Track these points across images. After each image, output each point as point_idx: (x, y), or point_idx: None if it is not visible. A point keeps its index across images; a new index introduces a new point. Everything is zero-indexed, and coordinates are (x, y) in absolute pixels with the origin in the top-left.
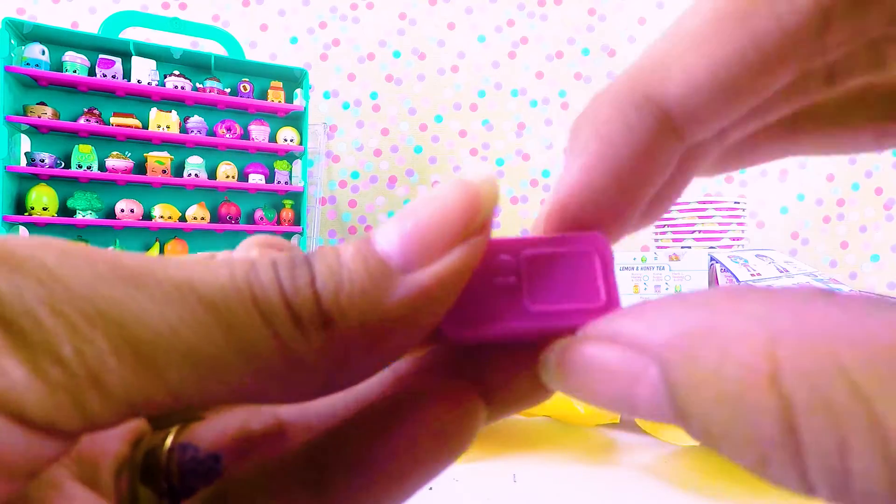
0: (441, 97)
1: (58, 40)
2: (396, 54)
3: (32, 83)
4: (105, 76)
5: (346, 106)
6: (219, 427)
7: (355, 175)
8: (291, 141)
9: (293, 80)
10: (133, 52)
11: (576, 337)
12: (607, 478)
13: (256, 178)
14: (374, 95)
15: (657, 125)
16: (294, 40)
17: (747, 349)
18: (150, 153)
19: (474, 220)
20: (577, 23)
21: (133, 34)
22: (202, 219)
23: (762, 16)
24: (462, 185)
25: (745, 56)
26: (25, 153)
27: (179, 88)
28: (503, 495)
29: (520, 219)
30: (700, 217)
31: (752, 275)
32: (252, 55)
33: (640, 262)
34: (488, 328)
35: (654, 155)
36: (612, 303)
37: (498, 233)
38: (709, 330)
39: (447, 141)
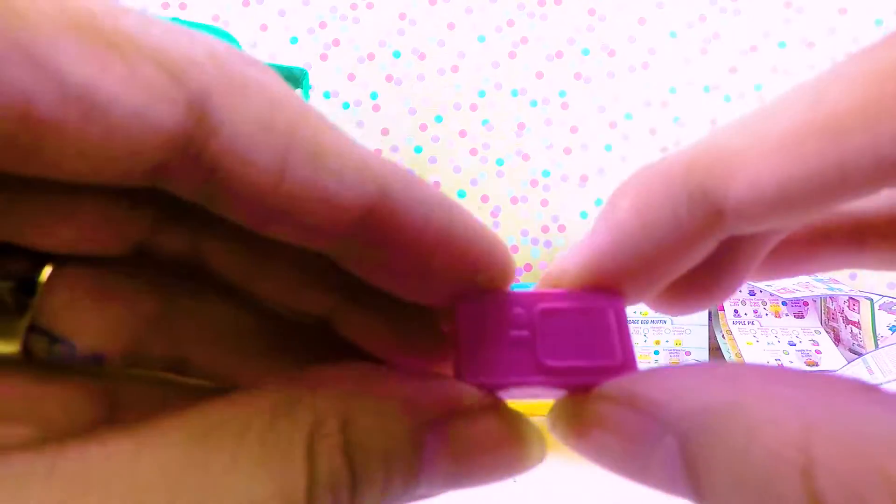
0: (441, 97)
1: None
2: (396, 54)
3: None
4: None
5: (346, 106)
6: (101, 325)
7: None
8: None
9: (293, 80)
10: None
11: (591, 395)
12: (607, 478)
13: None
14: (374, 95)
15: (706, 219)
16: (294, 40)
17: (779, 436)
18: None
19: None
20: (577, 23)
21: None
22: None
23: (856, 138)
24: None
25: (826, 176)
26: None
27: None
28: (503, 495)
29: (520, 219)
30: None
31: None
32: (252, 55)
33: None
34: (503, 379)
35: (694, 244)
36: (628, 362)
37: (498, 233)
38: (736, 408)
39: (447, 141)
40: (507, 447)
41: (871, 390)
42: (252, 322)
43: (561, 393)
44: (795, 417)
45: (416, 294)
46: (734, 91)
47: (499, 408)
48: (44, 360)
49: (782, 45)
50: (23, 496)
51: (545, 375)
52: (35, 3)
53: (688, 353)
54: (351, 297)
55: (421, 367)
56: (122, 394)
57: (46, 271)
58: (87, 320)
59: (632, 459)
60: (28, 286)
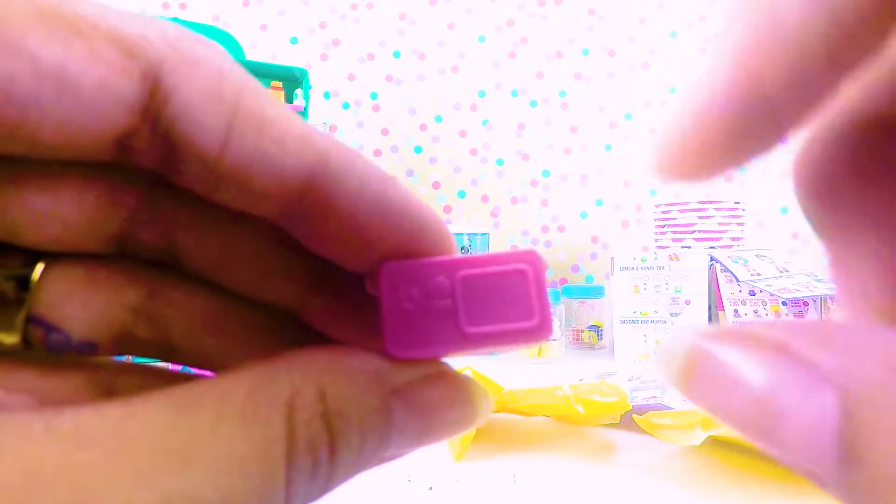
0: (441, 97)
1: None
2: (396, 54)
3: None
4: None
5: (346, 106)
6: (92, 315)
7: None
8: None
9: (293, 80)
10: None
11: (714, 334)
12: (607, 478)
13: None
14: (374, 95)
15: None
16: (294, 40)
17: None
18: None
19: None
20: (577, 23)
21: None
22: None
23: None
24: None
25: None
26: None
27: None
28: (503, 495)
29: (520, 219)
30: (700, 217)
31: (752, 275)
32: (252, 55)
33: (640, 262)
34: (427, 351)
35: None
36: (545, 323)
37: (498, 233)
38: None
39: (447, 141)
40: (459, 406)
41: None
42: (232, 311)
43: (486, 352)
44: None
45: (355, 263)
46: None
47: (449, 373)
48: (41, 349)
49: None
50: (21, 450)
51: (468, 343)
52: None
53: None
54: (314, 289)
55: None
56: (120, 386)
57: (40, 267)
58: (78, 310)
59: (764, 413)
60: (25, 281)
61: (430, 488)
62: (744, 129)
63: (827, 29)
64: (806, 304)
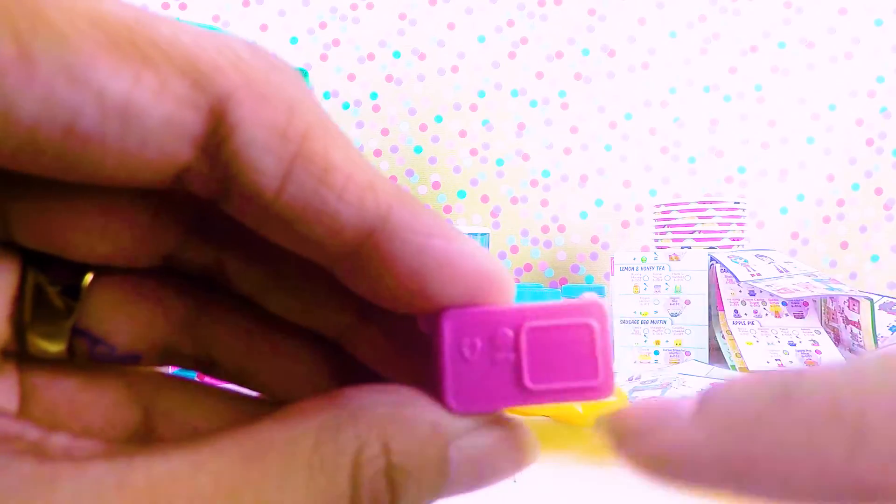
0: (441, 97)
1: None
2: (396, 54)
3: None
4: None
5: (345, 106)
6: (137, 329)
7: None
8: None
9: None
10: None
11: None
12: (607, 478)
13: None
14: (373, 96)
15: None
16: (294, 40)
17: None
18: None
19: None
20: (577, 23)
21: None
22: None
23: None
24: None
25: None
26: None
27: None
28: (503, 495)
29: (520, 219)
30: (700, 217)
31: (752, 275)
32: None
33: (640, 262)
34: (488, 406)
35: None
36: (607, 382)
37: (498, 233)
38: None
39: (447, 141)
40: (513, 453)
41: None
42: (275, 332)
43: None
44: None
45: (406, 309)
46: (734, 91)
47: (503, 421)
48: (86, 359)
49: (782, 45)
50: None
51: (529, 398)
52: (74, 22)
53: (688, 353)
54: (360, 321)
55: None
56: (160, 401)
57: (88, 279)
58: (124, 324)
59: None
60: (73, 290)
61: None
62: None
63: None
64: (806, 304)
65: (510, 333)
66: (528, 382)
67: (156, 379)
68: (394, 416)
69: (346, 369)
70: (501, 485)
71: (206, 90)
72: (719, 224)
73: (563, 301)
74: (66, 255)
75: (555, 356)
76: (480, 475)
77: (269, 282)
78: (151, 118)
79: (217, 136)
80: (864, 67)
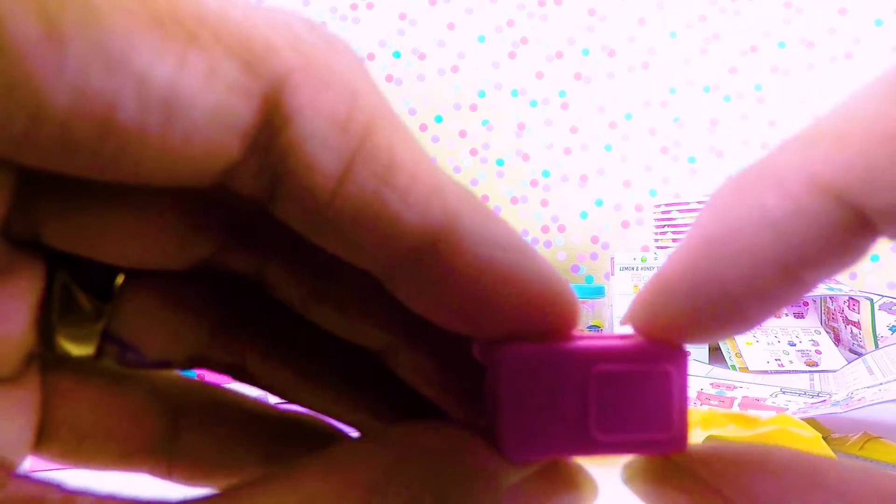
0: (441, 97)
1: None
2: (396, 54)
3: None
4: None
5: None
6: (168, 336)
7: None
8: None
9: None
10: None
11: (672, 466)
12: (607, 478)
13: None
14: None
15: (851, 228)
16: None
17: None
18: None
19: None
20: (577, 23)
21: None
22: None
23: None
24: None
25: None
26: None
27: None
28: None
29: (520, 219)
30: None
31: None
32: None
33: (640, 262)
34: (548, 455)
35: (840, 256)
36: (681, 434)
37: None
38: None
39: (447, 141)
40: (567, 498)
41: None
42: (313, 343)
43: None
44: None
45: (462, 329)
46: (734, 91)
47: (560, 465)
48: (115, 365)
49: (782, 45)
50: None
51: (594, 450)
52: None
53: (688, 354)
54: (407, 340)
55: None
56: (186, 408)
57: (120, 279)
58: (155, 331)
59: None
60: (103, 292)
61: None
62: (707, 312)
63: (777, 248)
64: (806, 304)
65: (578, 377)
66: (594, 432)
67: (183, 384)
68: (451, 466)
69: (385, 384)
70: None
71: (261, 75)
72: None
73: (639, 341)
74: (96, 258)
75: (626, 405)
76: None
77: (313, 292)
78: (198, 109)
79: (270, 129)
80: (864, 67)
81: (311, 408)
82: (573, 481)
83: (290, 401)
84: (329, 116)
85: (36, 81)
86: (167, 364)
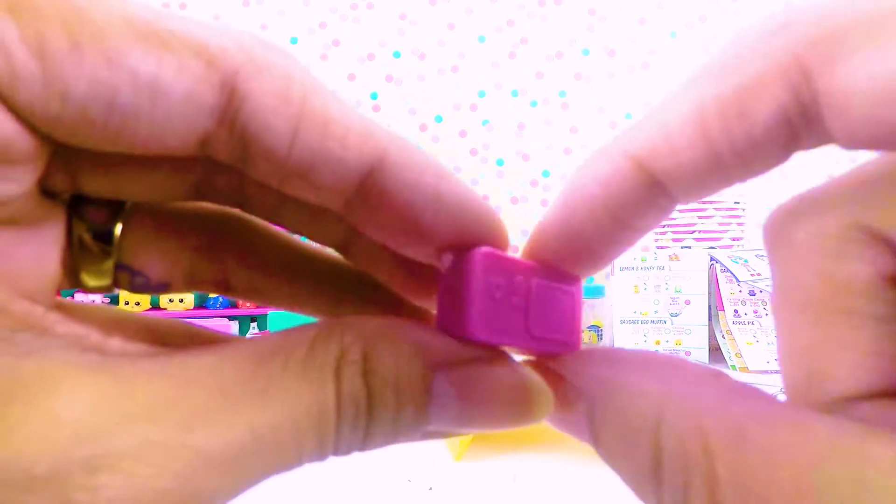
0: (441, 97)
1: None
2: (396, 54)
3: None
4: None
5: None
6: (166, 259)
7: None
8: None
9: None
10: None
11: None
12: (607, 478)
13: None
14: (374, 95)
15: (647, 189)
16: (294, 40)
17: (639, 406)
18: None
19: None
20: (577, 23)
21: None
22: None
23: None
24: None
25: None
26: None
27: None
28: (503, 495)
29: (520, 219)
30: (700, 217)
31: (752, 275)
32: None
33: (640, 262)
34: (502, 339)
35: (640, 216)
36: (577, 339)
37: None
38: (619, 385)
39: (447, 141)
40: (511, 395)
41: (716, 376)
42: (284, 254)
43: (531, 355)
44: (653, 393)
45: (411, 251)
46: None
47: (506, 359)
48: (126, 289)
49: None
50: (146, 385)
51: (530, 341)
52: (110, 19)
53: (688, 353)
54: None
55: (425, 297)
56: (170, 342)
57: (118, 228)
58: (155, 256)
59: (566, 418)
60: (104, 234)
61: (430, 488)
62: (570, 249)
63: (605, 199)
64: None
65: (524, 282)
66: (532, 328)
67: (167, 323)
68: (379, 332)
69: (356, 290)
70: (500, 484)
71: (218, 67)
72: (719, 224)
73: (556, 268)
74: (120, 197)
75: (549, 311)
76: (472, 407)
77: (282, 204)
78: (175, 93)
79: (231, 107)
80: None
81: (290, 309)
82: (520, 382)
83: (269, 304)
84: (273, 93)
85: (65, 76)
86: (168, 285)
